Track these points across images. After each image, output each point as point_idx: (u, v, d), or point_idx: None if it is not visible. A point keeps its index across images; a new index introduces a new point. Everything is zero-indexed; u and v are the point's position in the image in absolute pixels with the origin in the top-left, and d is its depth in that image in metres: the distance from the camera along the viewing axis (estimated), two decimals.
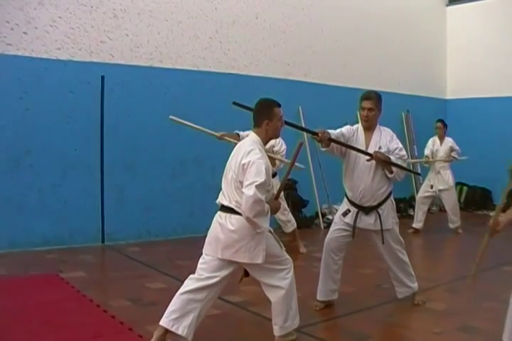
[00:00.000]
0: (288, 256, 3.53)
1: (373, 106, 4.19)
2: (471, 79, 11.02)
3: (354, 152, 4.17)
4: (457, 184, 10.61)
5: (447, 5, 11.82)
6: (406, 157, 4.31)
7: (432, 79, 11.18)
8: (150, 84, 7.10)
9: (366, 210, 4.21)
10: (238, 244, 3.25)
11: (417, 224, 8.16)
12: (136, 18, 7.01)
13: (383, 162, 4.10)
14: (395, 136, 4.32)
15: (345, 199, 4.36)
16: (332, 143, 4.10)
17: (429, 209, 9.35)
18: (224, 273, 3.32)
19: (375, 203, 4.19)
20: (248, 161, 3.16)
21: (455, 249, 7.44)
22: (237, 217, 3.25)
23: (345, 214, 4.29)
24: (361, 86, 9.56)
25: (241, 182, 3.19)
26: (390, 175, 4.17)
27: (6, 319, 3.83)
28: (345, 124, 4.40)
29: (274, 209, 3.38)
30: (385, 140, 4.22)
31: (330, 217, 8.68)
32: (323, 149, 4.17)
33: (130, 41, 6.97)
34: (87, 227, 6.59)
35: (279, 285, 3.40)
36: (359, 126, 4.34)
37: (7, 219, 6.07)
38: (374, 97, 4.23)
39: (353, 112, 9.51)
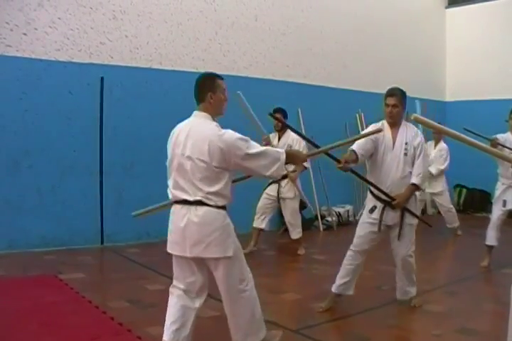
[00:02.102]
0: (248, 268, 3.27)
1: (397, 102, 4.24)
2: (471, 82, 11.03)
3: (381, 149, 4.22)
4: (456, 186, 10.62)
5: (447, 7, 11.83)
6: (429, 157, 4.33)
7: (432, 81, 11.21)
8: (149, 85, 7.10)
9: (392, 206, 4.23)
10: (208, 238, 3.01)
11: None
12: (136, 20, 7.01)
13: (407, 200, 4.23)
14: (419, 132, 4.36)
15: (370, 195, 4.38)
16: (358, 156, 4.12)
17: (427, 211, 9.37)
18: (200, 277, 3.18)
19: None
20: (226, 139, 2.98)
21: (454, 250, 7.44)
22: (205, 208, 3.02)
23: (371, 210, 4.31)
24: (360, 88, 9.61)
25: (219, 167, 2.99)
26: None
27: (5, 320, 3.82)
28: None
29: (297, 159, 3.34)
30: (411, 137, 4.26)
31: (329, 219, 8.68)
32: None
33: (129, 43, 6.97)
34: (86, 228, 6.59)
35: (237, 298, 3.14)
36: (384, 122, 4.37)
37: (6, 220, 6.07)
38: (398, 94, 4.27)
39: (352, 114, 9.55)
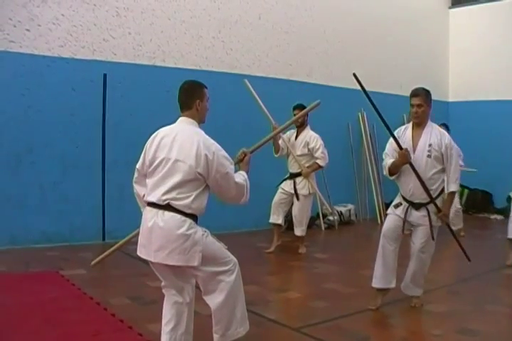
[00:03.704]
0: (232, 257, 3.17)
1: (422, 102, 4.24)
2: (474, 82, 11.02)
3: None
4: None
5: (450, 7, 11.83)
6: (460, 158, 4.33)
7: (434, 81, 11.18)
8: (152, 82, 7.10)
9: (416, 206, 4.26)
10: (172, 245, 2.92)
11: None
12: (139, 17, 7.01)
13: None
14: (445, 133, 4.30)
15: (400, 192, 4.42)
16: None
17: None
18: (174, 277, 3.11)
19: (424, 201, 4.23)
20: (214, 151, 2.97)
21: (456, 251, 7.41)
22: (172, 213, 2.94)
23: (396, 206, 4.37)
24: None
25: (201, 175, 2.94)
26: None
27: (6, 316, 3.82)
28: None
29: (247, 166, 3.38)
30: (436, 139, 4.21)
31: (331, 218, 8.68)
32: (392, 178, 4.33)
33: (133, 40, 6.98)
34: (87, 225, 6.60)
35: (217, 290, 3.08)
36: (409, 124, 4.40)
37: (8, 216, 6.08)
38: (422, 93, 4.27)
39: (354, 113, 9.54)
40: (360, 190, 9.60)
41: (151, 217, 3.01)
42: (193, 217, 3.00)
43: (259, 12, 8.25)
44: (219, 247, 3.13)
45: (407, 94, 4.46)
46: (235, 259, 3.16)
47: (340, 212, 8.95)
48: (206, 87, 3.23)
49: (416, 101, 4.25)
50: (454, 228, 7.95)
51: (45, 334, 3.52)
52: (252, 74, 8.04)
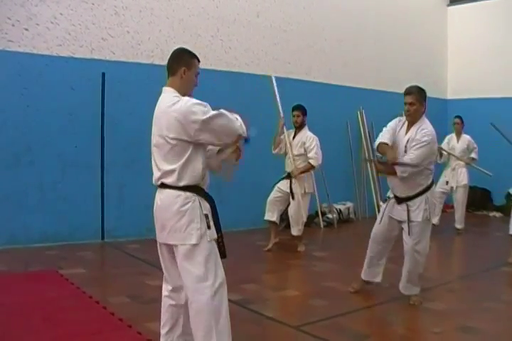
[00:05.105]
0: (222, 275, 2.89)
1: (414, 100, 4.26)
2: (472, 80, 11.02)
3: (395, 146, 4.33)
4: None
5: (448, 5, 11.81)
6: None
7: (433, 79, 11.19)
8: (151, 81, 7.04)
9: (398, 200, 4.37)
10: (170, 223, 2.82)
11: (433, 218, 8.10)
12: (138, 16, 7.00)
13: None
14: (432, 131, 4.24)
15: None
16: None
17: None
18: (176, 266, 2.93)
19: (404, 195, 4.32)
20: (180, 107, 2.77)
21: (455, 248, 7.44)
22: (167, 191, 2.84)
23: (384, 200, 4.54)
24: (362, 85, 9.60)
25: (178, 139, 2.77)
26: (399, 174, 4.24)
27: (6, 315, 3.82)
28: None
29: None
30: (419, 133, 4.22)
31: (330, 216, 8.68)
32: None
33: (131, 38, 6.97)
34: (87, 224, 6.59)
35: (196, 299, 2.81)
36: (404, 118, 4.45)
37: (7, 216, 6.07)
38: (415, 92, 4.30)
39: (353, 111, 9.53)
40: (359, 188, 9.61)
41: (156, 199, 2.95)
42: (189, 189, 2.84)
43: (257, 10, 8.25)
44: (216, 256, 2.90)
45: None
46: (223, 279, 2.88)
47: (339, 210, 8.94)
48: (199, 60, 3.07)
49: (408, 99, 4.28)
50: (459, 226, 7.99)
51: (44, 333, 3.52)
52: (250, 72, 8.05)
